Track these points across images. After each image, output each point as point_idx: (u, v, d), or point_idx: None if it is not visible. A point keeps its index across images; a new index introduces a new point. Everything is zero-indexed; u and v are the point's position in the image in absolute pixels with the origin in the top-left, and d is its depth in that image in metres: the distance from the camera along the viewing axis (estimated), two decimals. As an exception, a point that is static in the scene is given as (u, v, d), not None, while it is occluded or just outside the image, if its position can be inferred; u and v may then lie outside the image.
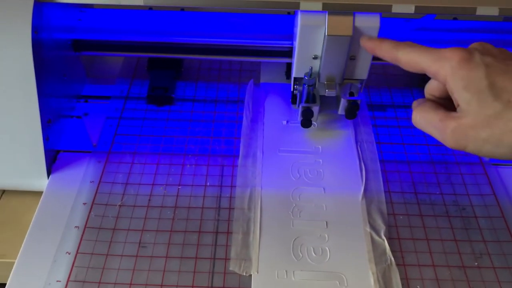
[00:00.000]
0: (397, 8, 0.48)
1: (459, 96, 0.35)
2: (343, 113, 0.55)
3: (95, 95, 0.64)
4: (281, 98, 0.62)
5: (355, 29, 0.48)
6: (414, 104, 0.41)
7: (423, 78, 0.63)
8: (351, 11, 0.48)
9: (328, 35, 0.48)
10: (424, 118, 0.39)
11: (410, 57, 0.39)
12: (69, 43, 0.61)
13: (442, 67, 0.36)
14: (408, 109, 0.63)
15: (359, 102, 0.54)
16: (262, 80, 0.66)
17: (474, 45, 0.38)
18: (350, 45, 0.49)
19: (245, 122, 0.59)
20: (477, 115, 0.35)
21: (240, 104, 0.62)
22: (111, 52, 0.64)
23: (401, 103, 0.63)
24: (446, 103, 0.39)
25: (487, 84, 0.34)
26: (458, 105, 0.36)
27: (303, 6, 0.48)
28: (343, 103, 0.54)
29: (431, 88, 0.41)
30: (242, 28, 0.62)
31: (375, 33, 0.49)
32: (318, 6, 0.48)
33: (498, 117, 0.34)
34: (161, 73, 0.66)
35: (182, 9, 0.66)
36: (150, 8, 0.66)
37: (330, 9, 0.48)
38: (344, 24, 0.48)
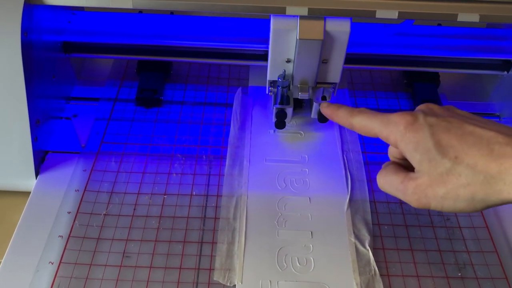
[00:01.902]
0: (381, 14, 0.49)
1: (411, 157, 0.37)
2: (316, 116, 0.56)
3: (84, 97, 0.64)
4: (269, 107, 0.62)
5: (326, 33, 0.49)
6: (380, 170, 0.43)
7: (409, 83, 0.65)
8: (336, 16, 0.49)
9: (299, 38, 0.49)
10: (387, 182, 0.40)
11: (363, 124, 0.42)
12: (59, 45, 0.61)
13: (392, 132, 0.38)
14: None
15: None
16: (250, 84, 0.66)
17: (419, 107, 0.40)
18: (321, 49, 0.50)
19: (232, 131, 0.59)
20: (430, 174, 0.36)
21: (228, 107, 0.62)
22: (101, 54, 0.65)
23: (386, 107, 0.64)
24: (408, 164, 0.40)
25: (433, 143, 0.36)
26: (414, 166, 0.38)
27: (289, 11, 0.48)
28: (315, 106, 0.55)
29: (392, 151, 0.42)
30: (230, 32, 0.63)
31: (345, 36, 0.49)
32: (304, 11, 0.48)
33: (449, 174, 0.35)
34: (150, 76, 0.66)
35: (172, 13, 0.66)
36: (140, 11, 0.66)
37: (316, 14, 0.48)
38: (315, 28, 0.49)
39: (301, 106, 0.60)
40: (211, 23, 0.64)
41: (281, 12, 0.49)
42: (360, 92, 0.66)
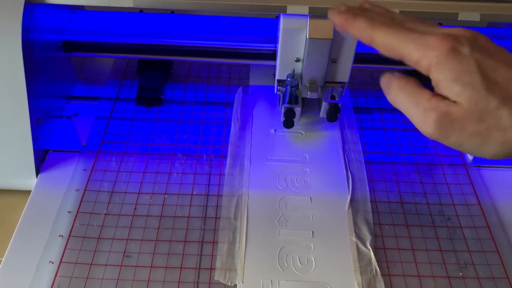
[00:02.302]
0: None
1: (447, 87, 0.32)
2: (325, 115, 0.56)
3: (85, 96, 0.64)
4: (270, 106, 0.62)
5: (336, 32, 0.49)
6: (387, 76, 0.37)
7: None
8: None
9: (309, 38, 0.49)
10: (407, 93, 0.34)
11: (388, 40, 0.35)
12: (59, 44, 0.61)
13: (426, 56, 0.33)
14: (394, 113, 0.63)
15: (340, 105, 0.55)
16: (251, 83, 0.66)
17: (462, 34, 0.34)
18: (331, 48, 0.50)
19: (233, 131, 0.58)
20: (468, 107, 0.32)
21: (229, 106, 0.62)
22: (101, 53, 0.65)
23: (388, 106, 0.64)
24: None
25: (480, 78, 0.32)
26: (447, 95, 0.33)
27: (290, 10, 0.49)
28: (324, 106, 0.55)
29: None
30: (231, 31, 0.63)
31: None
32: (305, 10, 0.48)
33: (489, 113, 0.32)
34: (151, 75, 0.66)
35: (172, 12, 0.66)
36: (141, 10, 0.66)
37: (317, 13, 0.48)
38: (325, 27, 0.49)
39: (303, 105, 0.59)
40: (211, 22, 0.64)
41: (282, 11, 0.49)
42: (361, 92, 0.66)
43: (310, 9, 0.48)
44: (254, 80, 0.66)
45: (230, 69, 0.69)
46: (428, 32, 0.34)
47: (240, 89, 0.64)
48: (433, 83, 0.33)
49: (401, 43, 0.34)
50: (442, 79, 0.32)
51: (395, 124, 0.61)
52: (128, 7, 0.50)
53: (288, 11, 0.49)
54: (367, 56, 0.62)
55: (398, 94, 0.35)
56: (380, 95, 0.66)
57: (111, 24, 0.64)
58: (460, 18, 0.49)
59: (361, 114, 0.62)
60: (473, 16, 0.49)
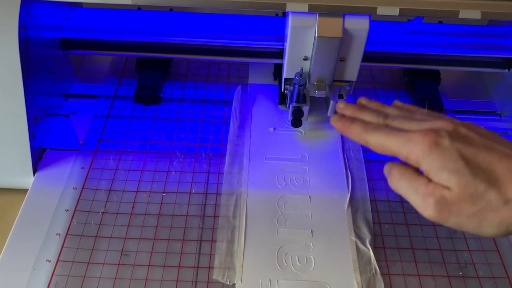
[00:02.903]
0: (382, 10, 0.48)
1: (437, 175, 0.36)
2: (332, 114, 0.55)
3: (83, 94, 0.64)
4: (269, 104, 0.62)
5: (344, 31, 0.49)
6: (388, 165, 0.41)
7: (409, 81, 0.65)
8: (336, 12, 0.49)
9: (318, 36, 0.49)
10: (405, 181, 0.38)
11: (380, 142, 0.40)
12: (57, 41, 0.61)
13: (412, 151, 0.37)
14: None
15: None
16: (250, 81, 0.65)
17: (443, 126, 0.38)
18: (339, 47, 0.50)
19: (232, 129, 0.58)
20: (460, 191, 0.35)
21: (228, 104, 0.62)
22: (99, 51, 0.64)
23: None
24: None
25: (464, 164, 0.35)
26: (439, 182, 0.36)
27: (290, 7, 0.48)
28: (332, 105, 0.55)
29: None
30: (231, 29, 0.62)
31: (364, 34, 0.49)
32: (304, 8, 0.48)
33: (480, 196, 0.34)
34: (150, 73, 0.65)
35: (171, 9, 0.66)
36: (139, 8, 0.66)
37: (316, 11, 0.48)
38: (334, 26, 0.49)
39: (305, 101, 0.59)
40: (210, 20, 0.63)
41: (281, 8, 0.48)
42: (361, 90, 0.66)
43: (310, 6, 0.48)
44: (253, 79, 0.66)
45: (229, 67, 0.68)
46: (413, 130, 0.39)
47: (239, 87, 0.64)
48: (425, 174, 0.37)
49: (391, 143, 0.39)
50: (429, 169, 0.36)
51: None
52: (127, 4, 0.49)
53: (288, 9, 0.48)
54: (367, 54, 0.62)
55: (399, 181, 0.39)
56: (380, 94, 0.65)
57: (110, 21, 0.64)
58: (460, 16, 0.49)
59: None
60: (474, 14, 0.48)
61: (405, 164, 0.39)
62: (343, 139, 0.58)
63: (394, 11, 0.48)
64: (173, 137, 0.58)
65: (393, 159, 0.39)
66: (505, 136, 0.58)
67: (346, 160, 0.55)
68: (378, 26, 0.64)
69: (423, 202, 0.36)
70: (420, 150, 0.36)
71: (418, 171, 0.38)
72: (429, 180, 0.36)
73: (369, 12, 0.48)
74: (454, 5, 0.48)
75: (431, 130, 0.37)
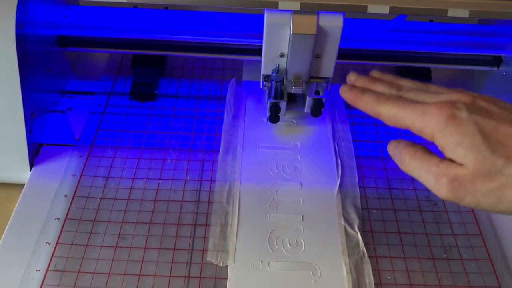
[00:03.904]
0: (373, 9, 0.49)
1: (452, 151, 0.34)
2: (309, 110, 0.57)
3: (79, 90, 0.65)
4: (263, 96, 0.63)
5: (319, 28, 0.49)
6: (393, 145, 0.39)
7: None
8: (328, 11, 0.49)
9: (293, 33, 0.49)
10: (417, 161, 0.36)
11: (392, 113, 0.38)
12: (54, 39, 0.61)
13: (428, 124, 0.35)
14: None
15: (324, 100, 0.55)
16: (244, 78, 0.67)
17: (459, 96, 0.36)
18: (315, 44, 0.50)
19: (226, 119, 0.60)
20: (475, 168, 0.33)
21: (222, 101, 0.63)
22: (96, 48, 0.65)
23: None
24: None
25: (482, 139, 0.33)
26: (452, 160, 0.35)
27: (282, 5, 0.49)
28: (308, 101, 0.56)
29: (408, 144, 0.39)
30: (225, 26, 0.63)
31: (338, 31, 0.50)
32: (297, 6, 0.49)
33: (498, 172, 0.33)
34: (145, 70, 0.66)
35: (166, 7, 0.67)
36: (135, 6, 0.67)
37: (308, 9, 0.49)
38: (308, 23, 0.49)
39: (294, 100, 0.61)
40: (205, 18, 0.64)
41: (273, 6, 0.49)
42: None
43: (302, 4, 0.48)
44: (248, 76, 0.67)
45: (224, 64, 0.69)
46: (428, 102, 0.36)
47: (233, 80, 0.65)
48: (440, 149, 0.35)
49: (404, 115, 0.37)
50: (445, 144, 0.34)
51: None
52: (123, 2, 0.50)
53: (280, 7, 0.49)
54: (358, 52, 0.64)
55: (410, 164, 0.37)
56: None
57: (106, 19, 0.64)
58: (449, 14, 0.49)
59: (353, 110, 0.63)
60: (462, 13, 0.49)
61: (412, 143, 0.38)
62: (334, 129, 0.59)
63: (384, 9, 0.49)
64: (168, 133, 0.59)
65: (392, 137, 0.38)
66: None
67: (337, 148, 0.57)
68: (366, 24, 0.65)
69: (436, 183, 0.35)
70: (436, 123, 0.34)
71: (428, 150, 0.37)
72: (441, 159, 0.35)
73: (360, 10, 0.49)
74: (442, 4, 0.49)
75: (448, 102, 0.35)
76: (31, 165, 0.54)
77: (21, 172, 0.54)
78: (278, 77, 0.54)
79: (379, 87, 0.41)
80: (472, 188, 0.33)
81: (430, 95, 0.38)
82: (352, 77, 0.45)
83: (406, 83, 0.42)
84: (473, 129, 0.34)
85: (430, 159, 0.36)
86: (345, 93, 0.42)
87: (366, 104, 0.40)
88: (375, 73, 0.45)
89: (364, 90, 0.41)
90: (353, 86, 0.43)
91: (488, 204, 0.33)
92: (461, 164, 0.34)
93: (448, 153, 0.34)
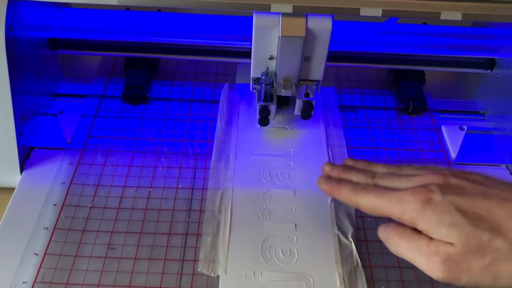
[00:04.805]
0: (365, 12, 0.49)
1: (436, 232, 0.34)
2: (299, 113, 0.56)
3: (71, 93, 0.64)
4: (256, 102, 0.62)
5: (308, 30, 0.49)
6: (382, 228, 0.40)
7: (395, 81, 0.66)
8: (321, 14, 0.49)
9: (281, 36, 0.49)
10: (406, 242, 0.36)
11: (370, 204, 0.39)
12: (45, 41, 0.61)
13: (406, 211, 0.36)
14: (378, 111, 0.64)
15: (313, 102, 0.55)
16: (238, 81, 0.66)
17: (433, 181, 0.37)
18: (304, 46, 0.50)
19: (219, 126, 0.59)
20: (464, 246, 0.33)
21: (215, 104, 0.63)
22: (87, 51, 0.65)
23: (372, 104, 0.65)
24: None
25: (461, 216, 0.34)
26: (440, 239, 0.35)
27: (274, 8, 0.49)
28: (298, 103, 0.56)
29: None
30: (217, 29, 0.63)
31: (327, 34, 0.50)
32: (289, 9, 0.49)
33: (487, 247, 0.33)
34: (137, 73, 0.66)
35: (159, 10, 0.67)
36: (127, 8, 0.66)
37: (301, 11, 0.49)
38: (297, 25, 0.49)
39: (287, 103, 0.60)
40: (198, 21, 0.64)
41: (266, 9, 0.49)
42: (346, 90, 0.67)
43: (294, 7, 0.48)
44: (241, 79, 0.66)
45: (217, 67, 0.69)
46: (402, 187, 0.38)
47: (226, 85, 0.65)
48: (424, 233, 0.36)
49: (382, 205, 0.38)
50: (427, 227, 0.35)
51: (379, 122, 0.62)
52: (114, 5, 0.50)
53: (272, 9, 0.49)
54: (352, 55, 0.64)
55: (399, 245, 0.37)
56: (365, 93, 0.67)
57: (98, 22, 0.64)
58: (442, 17, 0.49)
59: (346, 112, 0.63)
60: (455, 16, 0.49)
61: (400, 225, 0.38)
62: (328, 136, 0.59)
63: (377, 12, 0.49)
64: (160, 136, 0.58)
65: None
66: (488, 136, 0.61)
67: (331, 156, 0.56)
68: (359, 27, 0.65)
69: (429, 263, 0.34)
70: (413, 210, 0.35)
71: (416, 230, 0.37)
72: (430, 239, 0.35)
73: (352, 13, 0.49)
74: (435, 7, 0.49)
75: (421, 186, 0.36)
76: (22, 168, 0.54)
77: (12, 175, 0.53)
78: (267, 80, 0.54)
79: (355, 177, 0.43)
80: (466, 267, 0.33)
81: (403, 180, 0.39)
82: (327, 168, 0.47)
83: (379, 168, 0.44)
84: (450, 208, 0.34)
85: (419, 239, 0.36)
86: (323, 185, 0.45)
87: (344, 196, 0.42)
88: (348, 161, 0.48)
89: (340, 182, 0.43)
90: (330, 178, 0.45)
91: (486, 282, 0.33)
92: (450, 243, 0.34)
93: (433, 235, 0.35)
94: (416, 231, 0.37)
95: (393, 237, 0.38)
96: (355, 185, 0.41)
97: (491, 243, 0.33)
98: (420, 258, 0.35)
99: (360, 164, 0.46)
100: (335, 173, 0.46)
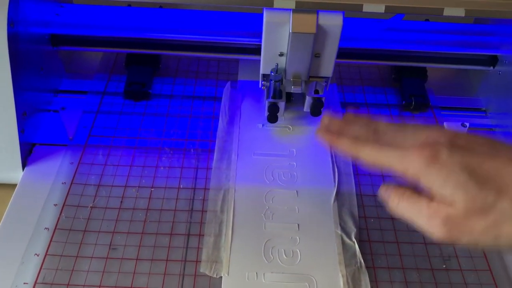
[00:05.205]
0: (368, 8, 0.48)
1: (439, 191, 0.33)
2: (309, 110, 0.56)
3: (73, 90, 0.64)
4: (258, 101, 0.62)
5: (318, 26, 0.49)
6: (383, 188, 0.38)
7: (397, 78, 0.66)
8: (323, 9, 0.49)
9: (292, 32, 0.49)
10: (406, 202, 0.35)
11: (372, 157, 0.37)
12: (46, 37, 0.61)
13: (410, 166, 0.34)
14: (380, 108, 0.64)
15: (323, 99, 0.55)
16: (240, 78, 0.66)
17: (439, 138, 0.35)
18: (314, 43, 0.50)
19: (221, 125, 0.59)
20: (467, 207, 0.32)
21: (217, 101, 0.62)
22: (89, 47, 0.65)
23: (374, 101, 0.65)
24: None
25: (467, 176, 0.32)
26: (441, 199, 0.34)
27: (277, 4, 0.48)
28: (308, 100, 0.55)
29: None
30: (220, 25, 0.63)
31: (338, 30, 0.50)
32: (292, 4, 0.48)
33: (491, 208, 0.32)
34: (139, 69, 0.65)
35: (160, 6, 0.66)
36: (129, 4, 0.66)
37: (304, 7, 0.48)
38: (308, 22, 0.49)
39: (289, 100, 0.60)
40: (200, 17, 0.64)
41: (269, 5, 0.49)
42: (349, 87, 0.66)
43: (297, 3, 0.48)
44: (243, 75, 0.66)
45: (219, 64, 0.69)
46: (407, 144, 0.36)
47: (228, 84, 0.64)
48: (426, 189, 0.34)
49: (385, 159, 0.36)
50: (431, 185, 0.34)
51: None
52: (117, 1, 0.49)
53: (275, 5, 0.48)
54: (354, 52, 0.63)
55: (399, 204, 0.36)
56: (367, 91, 0.66)
57: (99, 18, 0.64)
58: (445, 13, 0.49)
59: (348, 109, 0.63)
60: (458, 12, 0.49)
61: (400, 185, 0.37)
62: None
63: (380, 8, 0.48)
64: (162, 133, 0.58)
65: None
66: (490, 133, 0.60)
67: (333, 155, 0.56)
68: (362, 23, 0.64)
69: (428, 224, 0.34)
70: (418, 166, 0.34)
71: (416, 192, 0.35)
72: (431, 198, 0.34)
73: (355, 9, 0.48)
74: (438, 3, 0.48)
75: (427, 144, 0.35)
76: (24, 165, 0.54)
77: (14, 172, 0.53)
78: (277, 77, 0.53)
79: (355, 131, 0.40)
80: (467, 228, 0.32)
81: (408, 137, 0.37)
82: (325, 121, 0.43)
83: (382, 125, 0.40)
84: (456, 168, 0.33)
85: (420, 200, 0.35)
86: (323, 135, 0.42)
87: (344, 146, 0.39)
88: (349, 116, 0.44)
89: (339, 135, 0.40)
90: (328, 130, 0.42)
91: (487, 242, 0.32)
92: (451, 204, 0.33)
93: (436, 194, 0.34)
94: (417, 191, 0.35)
95: (393, 197, 0.36)
96: (355, 139, 0.39)
97: (496, 203, 0.32)
98: (420, 219, 0.34)
99: (362, 119, 0.42)
100: (334, 126, 0.42)
